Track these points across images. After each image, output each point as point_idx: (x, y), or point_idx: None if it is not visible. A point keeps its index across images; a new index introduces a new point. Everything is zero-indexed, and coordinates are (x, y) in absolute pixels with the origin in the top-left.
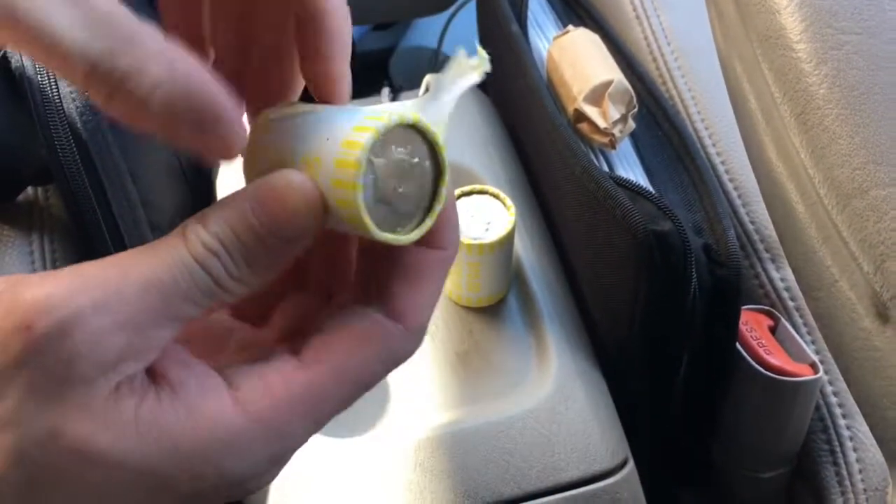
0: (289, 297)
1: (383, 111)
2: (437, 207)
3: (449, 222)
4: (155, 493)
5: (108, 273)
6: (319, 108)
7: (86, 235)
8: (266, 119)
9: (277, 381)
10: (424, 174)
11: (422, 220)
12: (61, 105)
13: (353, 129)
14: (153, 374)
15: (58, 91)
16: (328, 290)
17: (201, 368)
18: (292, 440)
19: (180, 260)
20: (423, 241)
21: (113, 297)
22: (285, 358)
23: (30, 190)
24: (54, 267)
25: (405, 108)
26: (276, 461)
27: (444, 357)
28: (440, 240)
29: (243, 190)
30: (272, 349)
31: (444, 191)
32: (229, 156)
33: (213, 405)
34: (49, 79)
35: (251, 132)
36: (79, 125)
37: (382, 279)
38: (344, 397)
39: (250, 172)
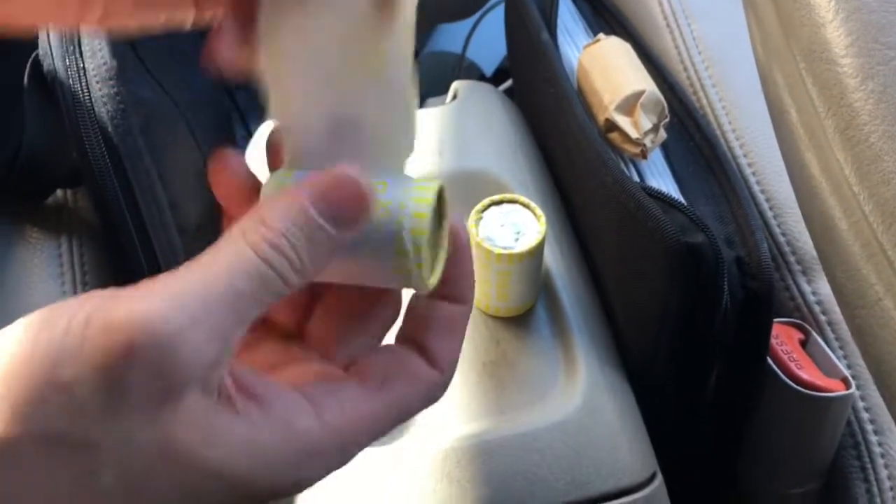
0: (316, 310)
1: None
2: (443, 254)
3: (468, 278)
4: (238, 499)
5: (194, 287)
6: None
7: (114, 238)
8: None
9: (349, 403)
10: (436, 227)
11: (434, 261)
12: (92, 108)
13: (412, 188)
14: (240, 388)
15: (89, 94)
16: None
17: (281, 386)
18: (352, 454)
19: (249, 263)
20: (449, 297)
21: (202, 311)
22: (353, 383)
23: (59, 192)
24: (82, 269)
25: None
26: (337, 468)
27: (471, 367)
28: (462, 296)
29: (292, 187)
30: (336, 373)
31: (446, 238)
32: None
33: (301, 421)
34: (81, 82)
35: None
36: (109, 128)
37: (422, 330)
38: (390, 425)
39: None
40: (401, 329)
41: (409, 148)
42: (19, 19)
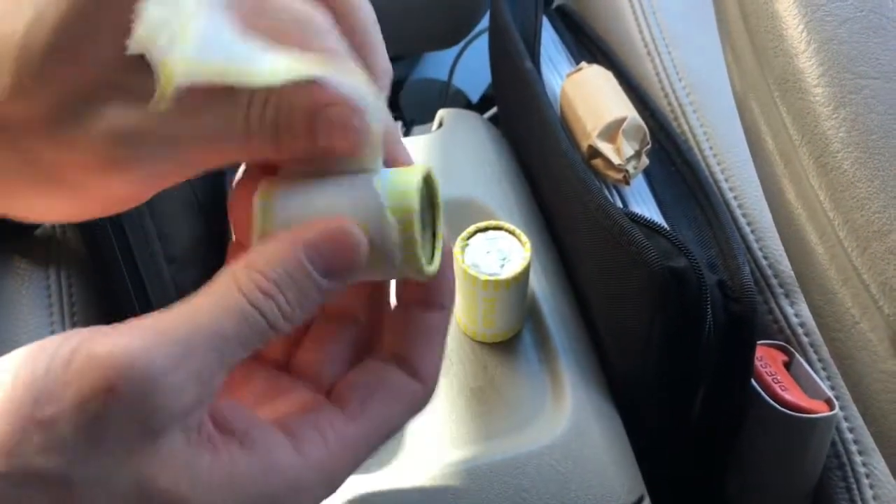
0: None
1: (403, 169)
2: (440, 243)
3: (447, 282)
4: None
5: (180, 327)
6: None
7: (102, 268)
8: (274, 188)
9: (330, 432)
10: (427, 215)
11: (432, 254)
12: None
13: (392, 181)
14: (219, 425)
15: None
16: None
17: (262, 422)
18: (339, 483)
19: (238, 308)
20: (428, 303)
21: (184, 351)
22: (334, 411)
23: (47, 224)
24: (70, 301)
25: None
26: (324, 499)
27: (459, 392)
28: (442, 299)
29: (289, 234)
30: (318, 402)
31: (441, 225)
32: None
33: (281, 457)
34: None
35: (261, 197)
36: None
37: (401, 342)
38: (377, 445)
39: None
40: (380, 343)
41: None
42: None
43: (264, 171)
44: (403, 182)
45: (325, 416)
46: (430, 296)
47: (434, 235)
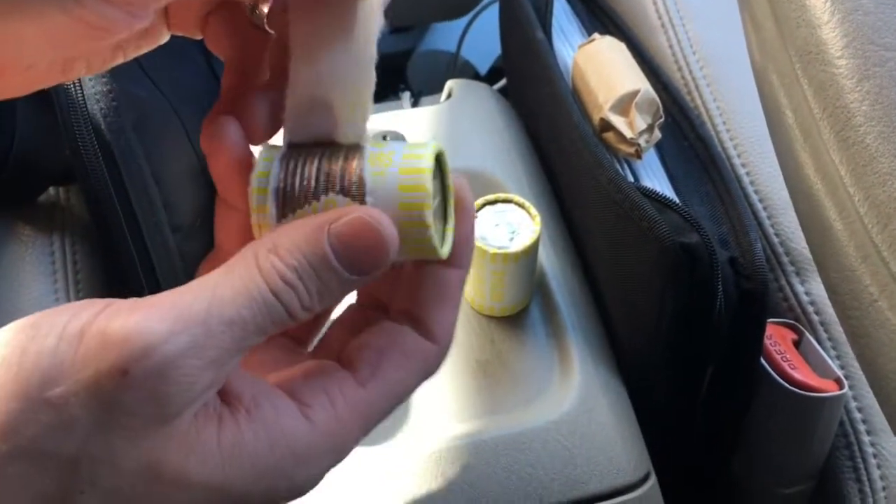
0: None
1: (414, 143)
2: (452, 221)
3: (467, 241)
4: None
5: (198, 308)
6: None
7: (107, 237)
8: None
9: (340, 398)
10: (436, 187)
11: (444, 230)
12: (85, 106)
13: (405, 156)
14: (225, 395)
15: (82, 92)
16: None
17: (269, 387)
18: (349, 449)
19: (259, 294)
20: (445, 261)
21: (203, 336)
22: (343, 375)
23: (51, 190)
24: (75, 268)
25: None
26: (333, 466)
27: (466, 366)
28: (459, 258)
29: (317, 219)
30: (325, 363)
31: (452, 203)
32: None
33: (288, 424)
34: (74, 80)
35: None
36: (102, 126)
37: (414, 300)
38: (389, 409)
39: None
40: (393, 301)
41: (366, 119)
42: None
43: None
44: (415, 162)
45: (334, 380)
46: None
47: (445, 214)
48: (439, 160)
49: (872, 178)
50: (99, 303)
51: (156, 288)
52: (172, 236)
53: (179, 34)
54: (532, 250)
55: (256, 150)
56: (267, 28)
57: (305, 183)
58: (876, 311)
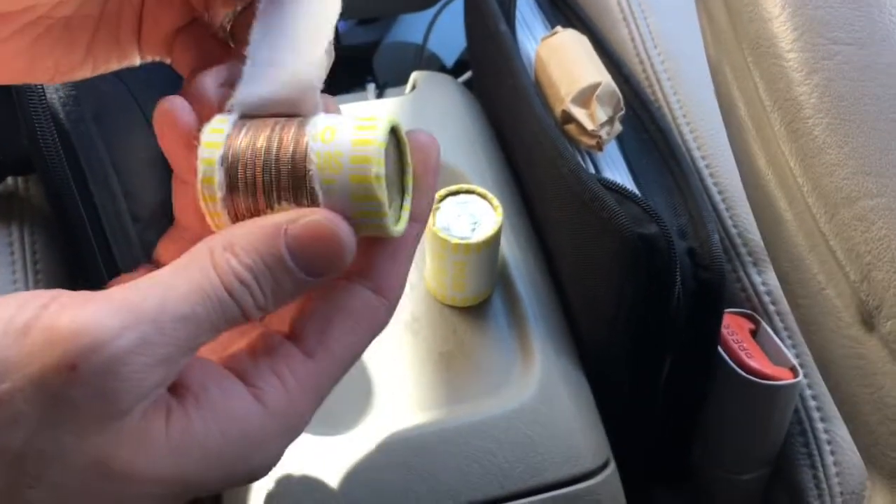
0: None
1: (365, 113)
2: (409, 197)
3: (427, 195)
4: (188, 495)
5: (150, 304)
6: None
7: (67, 226)
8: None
9: (289, 377)
10: (392, 162)
11: (401, 207)
12: (44, 94)
13: (356, 128)
14: (173, 385)
15: None
16: None
17: (217, 371)
18: (304, 424)
19: (213, 292)
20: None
21: (154, 333)
22: (290, 350)
23: (10, 180)
24: (34, 258)
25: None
26: (289, 444)
27: (428, 356)
28: (417, 213)
29: (273, 219)
30: (271, 337)
31: (410, 174)
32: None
33: (238, 407)
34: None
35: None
36: (61, 115)
37: (366, 256)
38: (339, 376)
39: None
40: None
41: (318, 89)
42: None
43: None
44: (365, 136)
45: (281, 356)
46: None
47: (403, 188)
48: (395, 133)
49: (820, 169)
50: (45, 294)
51: (116, 278)
52: (133, 226)
53: (149, 58)
54: (494, 241)
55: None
56: (230, 42)
57: (255, 156)
58: (824, 298)
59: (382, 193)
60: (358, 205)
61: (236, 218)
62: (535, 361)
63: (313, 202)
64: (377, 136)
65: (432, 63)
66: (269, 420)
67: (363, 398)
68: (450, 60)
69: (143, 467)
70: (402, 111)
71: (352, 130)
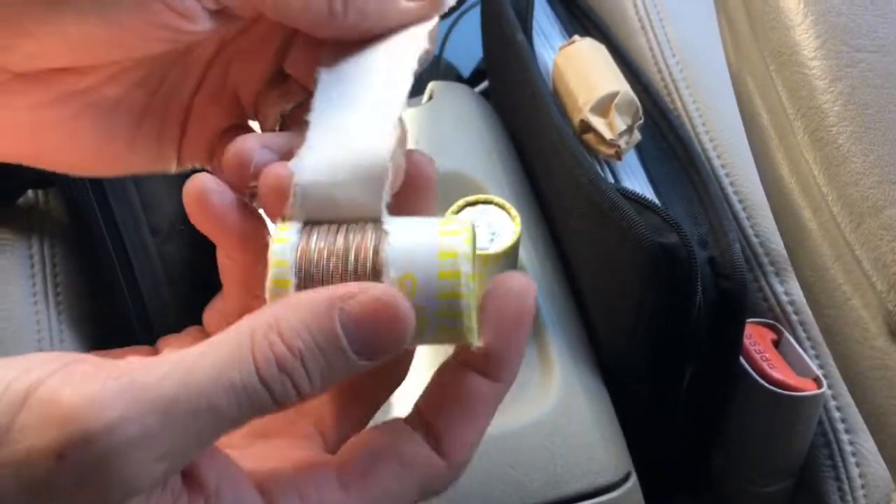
0: None
1: (449, 219)
2: (475, 308)
3: (514, 354)
4: None
5: (163, 389)
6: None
7: (86, 239)
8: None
9: (314, 500)
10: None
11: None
12: None
13: (440, 233)
14: (189, 477)
15: None
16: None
17: (237, 477)
18: None
19: (244, 381)
20: (484, 371)
21: (160, 426)
22: (326, 474)
23: (30, 193)
24: (54, 271)
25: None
26: None
27: None
28: (499, 368)
29: (326, 292)
30: (317, 459)
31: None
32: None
33: None
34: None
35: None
36: None
37: (432, 406)
38: None
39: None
40: (415, 403)
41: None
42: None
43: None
44: (449, 241)
45: (314, 478)
46: (488, 360)
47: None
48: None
49: (845, 178)
50: (58, 359)
51: (135, 291)
52: (152, 238)
53: (187, 164)
54: (512, 251)
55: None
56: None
57: (326, 270)
58: (849, 308)
59: (467, 303)
60: (437, 315)
61: None
62: (554, 372)
63: None
64: (460, 246)
65: (449, 73)
66: None
67: (379, 412)
68: (466, 70)
69: None
70: (419, 121)
71: (434, 236)
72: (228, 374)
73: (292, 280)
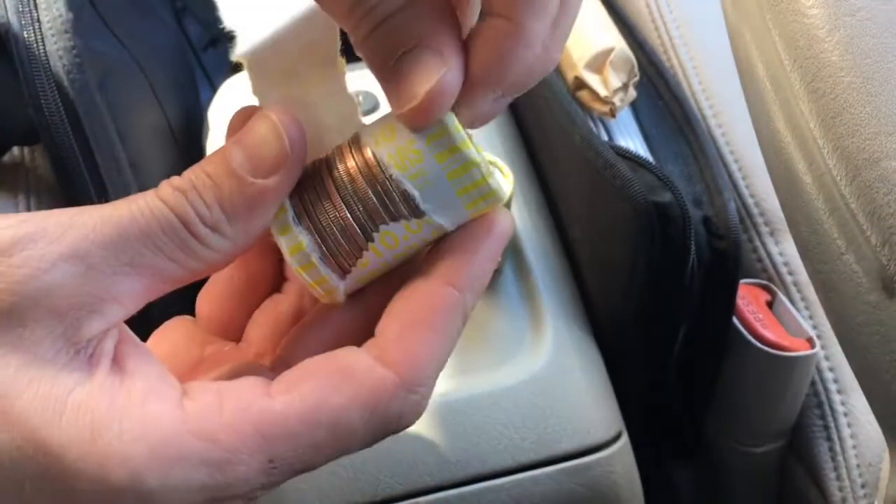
0: (263, 304)
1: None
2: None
3: (476, 263)
4: (47, 486)
5: (70, 212)
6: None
7: (72, 196)
8: None
9: (233, 401)
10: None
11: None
12: (48, 63)
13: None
14: (116, 361)
15: (44, 49)
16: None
17: (162, 370)
18: (237, 474)
19: (144, 201)
20: (439, 277)
21: (62, 227)
22: (254, 380)
23: (16, 150)
24: None
25: None
26: (213, 496)
27: None
28: (459, 278)
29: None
30: (249, 366)
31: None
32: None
33: (155, 405)
34: (35, 35)
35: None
36: (66, 84)
37: (385, 319)
38: (314, 443)
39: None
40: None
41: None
42: None
43: None
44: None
45: (238, 383)
46: (447, 267)
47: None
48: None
49: (841, 129)
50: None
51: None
52: None
53: None
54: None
55: None
56: None
57: (333, 204)
58: (844, 264)
59: (473, 152)
60: (458, 181)
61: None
62: (547, 332)
63: (413, 208)
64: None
65: None
66: (183, 435)
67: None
68: None
69: (37, 423)
70: None
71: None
72: (135, 205)
73: (314, 256)
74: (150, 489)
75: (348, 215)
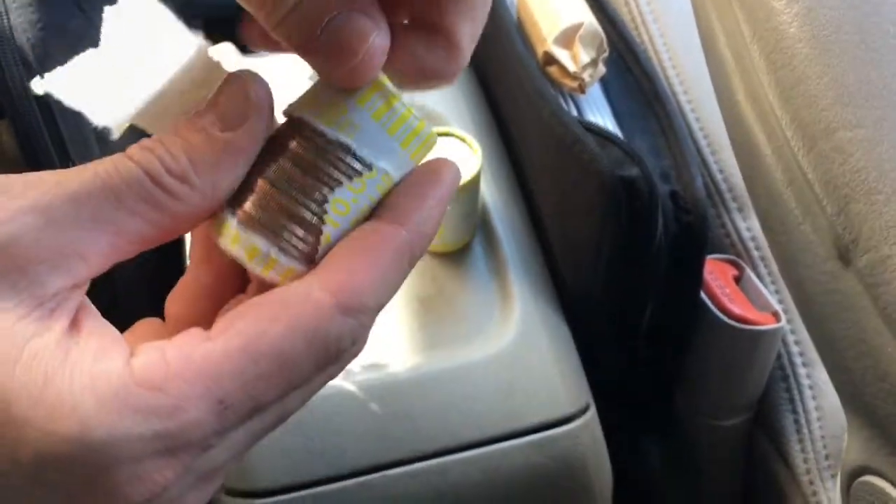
0: (228, 304)
1: None
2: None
3: (422, 204)
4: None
5: (38, 174)
6: None
7: (38, 171)
8: None
9: (176, 350)
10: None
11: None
12: (12, 36)
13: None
14: (74, 325)
15: (8, 21)
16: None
17: (116, 335)
18: (188, 419)
19: (111, 160)
20: (383, 215)
21: (26, 185)
22: (194, 331)
23: None
24: None
25: None
26: (166, 445)
27: (407, 302)
28: (399, 215)
29: None
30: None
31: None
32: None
33: (104, 362)
34: (0, 9)
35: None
36: (30, 57)
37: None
38: (259, 375)
39: None
40: None
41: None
42: None
43: None
44: None
45: (179, 337)
46: (392, 209)
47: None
48: None
49: (799, 100)
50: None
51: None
52: None
53: None
54: (473, 185)
55: None
56: None
57: (268, 180)
58: (801, 233)
59: (405, 101)
60: (399, 134)
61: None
62: (515, 307)
63: (357, 158)
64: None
65: None
66: (129, 387)
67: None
68: None
69: None
70: None
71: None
72: (101, 165)
73: (273, 252)
74: (101, 439)
75: (293, 198)
